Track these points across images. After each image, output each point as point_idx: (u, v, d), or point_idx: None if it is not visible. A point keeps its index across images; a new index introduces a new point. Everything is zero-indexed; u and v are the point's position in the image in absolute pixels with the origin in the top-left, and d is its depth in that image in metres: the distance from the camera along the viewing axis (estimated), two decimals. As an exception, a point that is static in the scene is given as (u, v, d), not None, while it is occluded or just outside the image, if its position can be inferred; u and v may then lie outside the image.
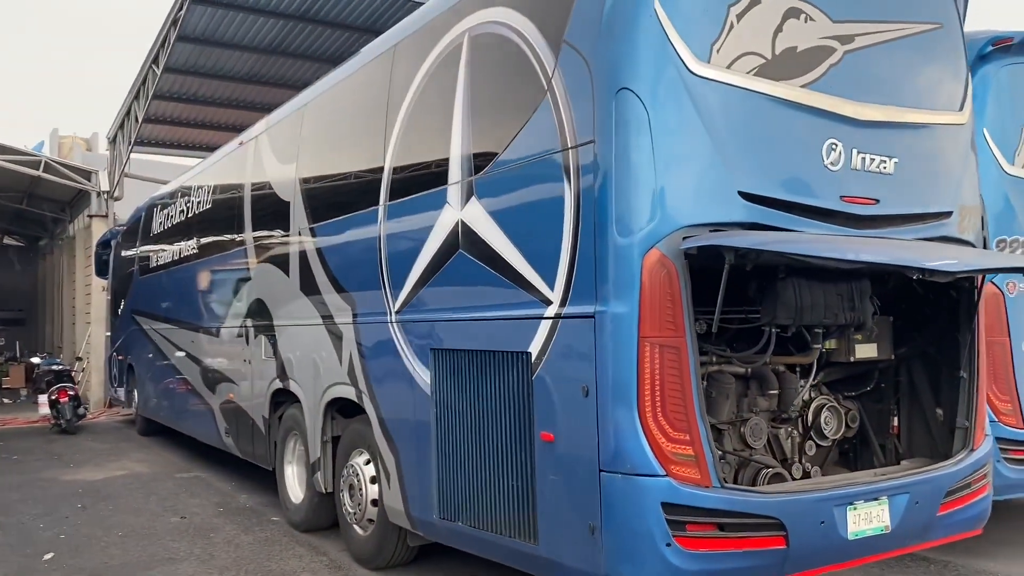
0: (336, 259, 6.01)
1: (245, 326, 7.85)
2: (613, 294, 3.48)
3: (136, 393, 12.91)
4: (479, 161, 4.41)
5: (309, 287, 6.42)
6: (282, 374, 6.98)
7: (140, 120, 14.76)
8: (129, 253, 13.39)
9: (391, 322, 5.20)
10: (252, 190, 7.83)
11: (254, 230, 7.68)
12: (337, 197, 6.14)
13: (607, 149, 3.51)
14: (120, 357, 14.09)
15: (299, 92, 7.45)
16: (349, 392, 5.76)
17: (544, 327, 3.84)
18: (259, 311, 7.52)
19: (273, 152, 7.41)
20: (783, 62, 3.76)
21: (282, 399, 7.29)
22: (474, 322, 4.39)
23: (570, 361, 3.69)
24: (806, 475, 4.34)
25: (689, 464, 3.43)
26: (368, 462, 5.72)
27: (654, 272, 3.42)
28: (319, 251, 6.22)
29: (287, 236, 6.86)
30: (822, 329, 4.14)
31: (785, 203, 3.70)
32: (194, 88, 15.03)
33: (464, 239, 4.47)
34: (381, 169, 5.37)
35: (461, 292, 4.54)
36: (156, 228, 11.52)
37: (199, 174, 9.86)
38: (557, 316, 3.76)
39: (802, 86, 3.80)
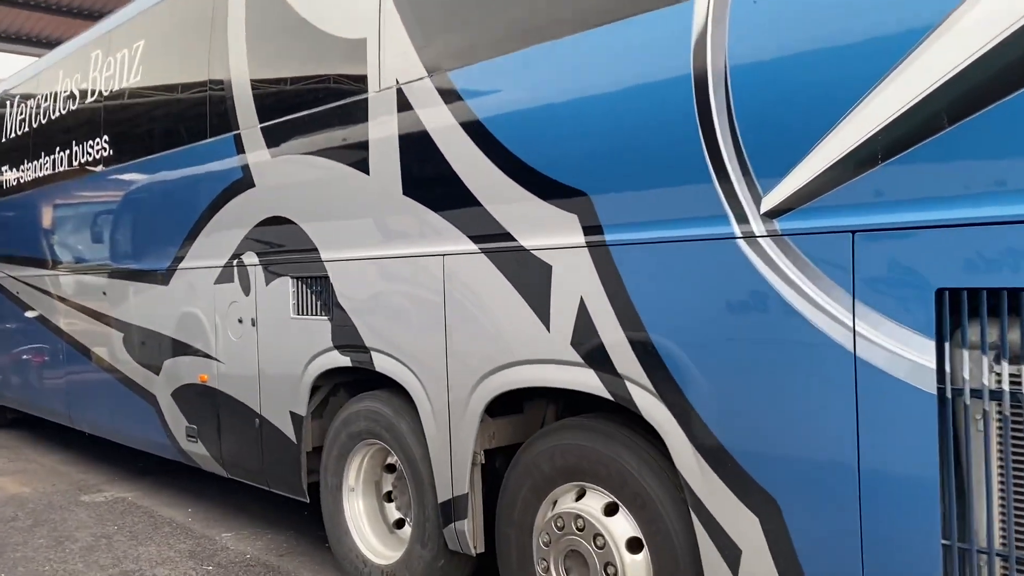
0: (529, 128, 3.14)
1: (240, 264, 4.75)
2: None
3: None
4: None
5: (433, 187, 3.51)
6: (346, 342, 4.04)
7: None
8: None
9: (755, 237, 2.48)
10: (250, 34, 4.67)
11: (262, 103, 4.56)
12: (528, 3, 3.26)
13: None
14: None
15: None
16: (583, 379, 2.98)
17: None
18: (277, 238, 4.47)
19: (304, -36, 4.31)
20: None
21: (323, 383, 4.37)
22: None
23: None
24: None
25: None
26: (613, 511, 3.01)
27: None
28: (474, 125, 3.32)
29: (359, 100, 3.88)
30: None
31: None
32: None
33: None
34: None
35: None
36: (16, 130, 7.82)
37: (108, 35, 6.36)
38: None
39: None
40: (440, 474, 3.59)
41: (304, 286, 4.32)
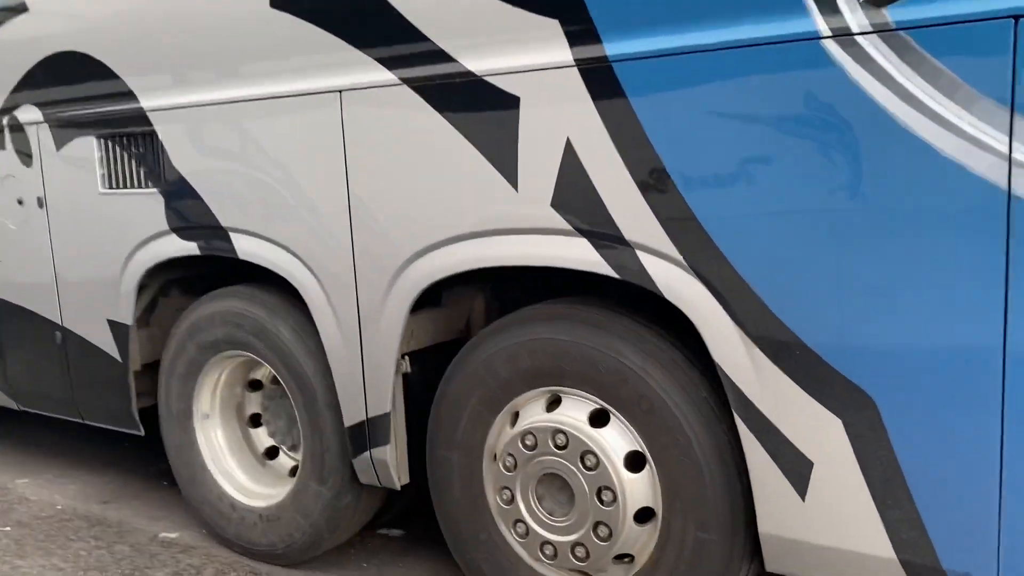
0: None
1: (13, 123, 3.44)
2: None
3: None
4: None
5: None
6: (191, 223, 2.97)
7: None
8: None
9: (851, 34, 1.75)
10: None
11: None
12: None
13: None
14: None
15: None
16: (571, 252, 2.17)
17: None
18: (71, 83, 3.20)
19: None
20: None
21: (150, 281, 3.29)
22: None
23: None
24: None
25: None
26: (601, 421, 2.30)
27: None
28: None
29: None
30: None
31: None
32: None
33: None
34: None
35: None
36: None
37: None
38: None
39: None
40: (346, 390, 2.71)
41: (118, 148, 3.14)
